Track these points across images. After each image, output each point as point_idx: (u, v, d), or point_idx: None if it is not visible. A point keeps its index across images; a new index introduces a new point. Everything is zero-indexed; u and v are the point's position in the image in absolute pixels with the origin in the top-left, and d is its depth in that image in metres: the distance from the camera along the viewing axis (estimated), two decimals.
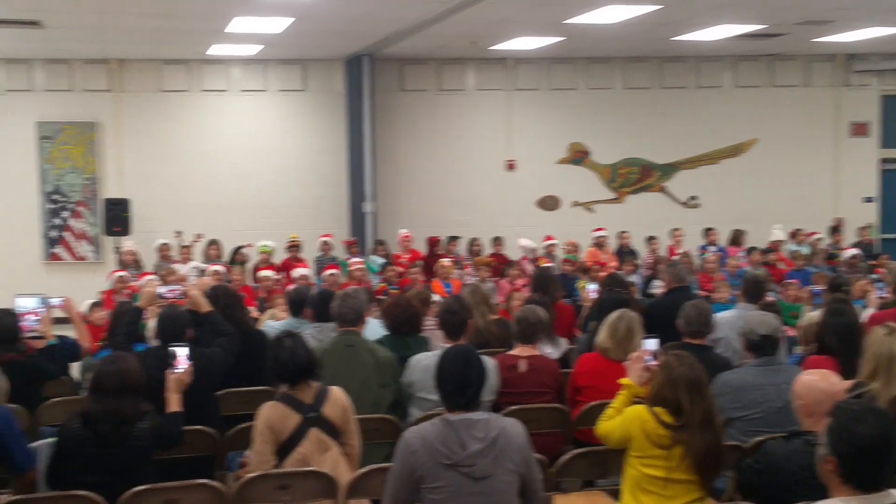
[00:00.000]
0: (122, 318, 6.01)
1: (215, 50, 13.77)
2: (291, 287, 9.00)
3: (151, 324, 6.36)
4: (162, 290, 6.29)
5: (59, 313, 6.66)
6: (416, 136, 15.47)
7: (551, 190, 15.92)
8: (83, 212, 14.62)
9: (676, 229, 13.98)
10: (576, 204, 16.01)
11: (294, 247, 12.74)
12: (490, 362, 5.44)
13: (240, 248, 12.60)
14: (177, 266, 11.47)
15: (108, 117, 14.60)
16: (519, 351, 5.90)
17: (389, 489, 3.87)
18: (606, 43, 13.96)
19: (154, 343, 5.86)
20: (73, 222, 14.61)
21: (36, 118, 14.34)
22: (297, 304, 7.23)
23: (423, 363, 5.54)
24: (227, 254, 12.66)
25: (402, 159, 15.37)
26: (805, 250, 12.87)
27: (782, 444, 4.12)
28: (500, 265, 12.43)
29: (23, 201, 14.39)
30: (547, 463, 4.68)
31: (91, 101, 14.50)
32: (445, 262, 11.60)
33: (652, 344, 5.02)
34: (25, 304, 6.07)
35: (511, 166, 15.75)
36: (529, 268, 11.91)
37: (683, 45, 14.32)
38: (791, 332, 8.02)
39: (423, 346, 6.25)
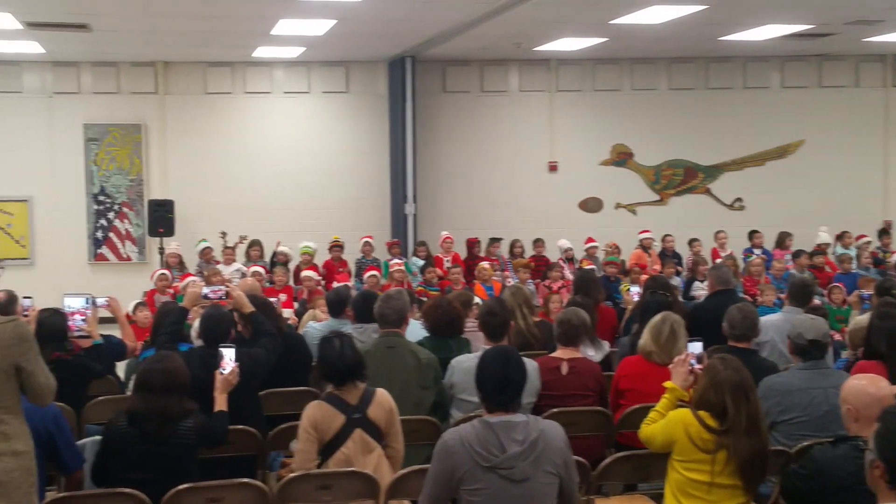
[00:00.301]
0: (166, 318, 6.06)
1: (259, 52, 13.87)
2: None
3: (196, 324, 6.41)
4: (206, 290, 6.34)
5: (104, 313, 6.74)
6: (459, 137, 15.46)
7: (594, 192, 15.83)
8: (128, 213, 14.79)
9: (720, 232, 13.83)
10: (619, 206, 15.91)
11: (336, 248, 12.77)
12: (531, 364, 5.41)
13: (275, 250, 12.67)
14: (220, 267, 11.57)
15: (154, 119, 14.78)
16: (561, 353, 5.85)
17: (427, 490, 3.86)
18: (651, 43, 13.86)
19: (198, 343, 5.91)
20: (118, 223, 14.79)
21: (83, 120, 14.55)
22: (337, 305, 7.25)
23: (465, 365, 5.52)
24: (268, 255, 12.73)
25: (443, 161, 15.37)
26: (852, 253, 12.67)
27: (829, 450, 4.07)
28: (539, 267, 12.38)
29: (70, 202, 14.61)
30: (589, 466, 4.64)
31: (137, 104, 14.69)
32: (485, 264, 11.60)
33: (696, 347, 4.98)
34: (73, 303, 6.12)
35: (553, 168, 15.69)
36: (567, 269, 11.85)
37: (730, 46, 14.17)
38: (837, 337, 7.91)
39: (465, 347, 6.23)
